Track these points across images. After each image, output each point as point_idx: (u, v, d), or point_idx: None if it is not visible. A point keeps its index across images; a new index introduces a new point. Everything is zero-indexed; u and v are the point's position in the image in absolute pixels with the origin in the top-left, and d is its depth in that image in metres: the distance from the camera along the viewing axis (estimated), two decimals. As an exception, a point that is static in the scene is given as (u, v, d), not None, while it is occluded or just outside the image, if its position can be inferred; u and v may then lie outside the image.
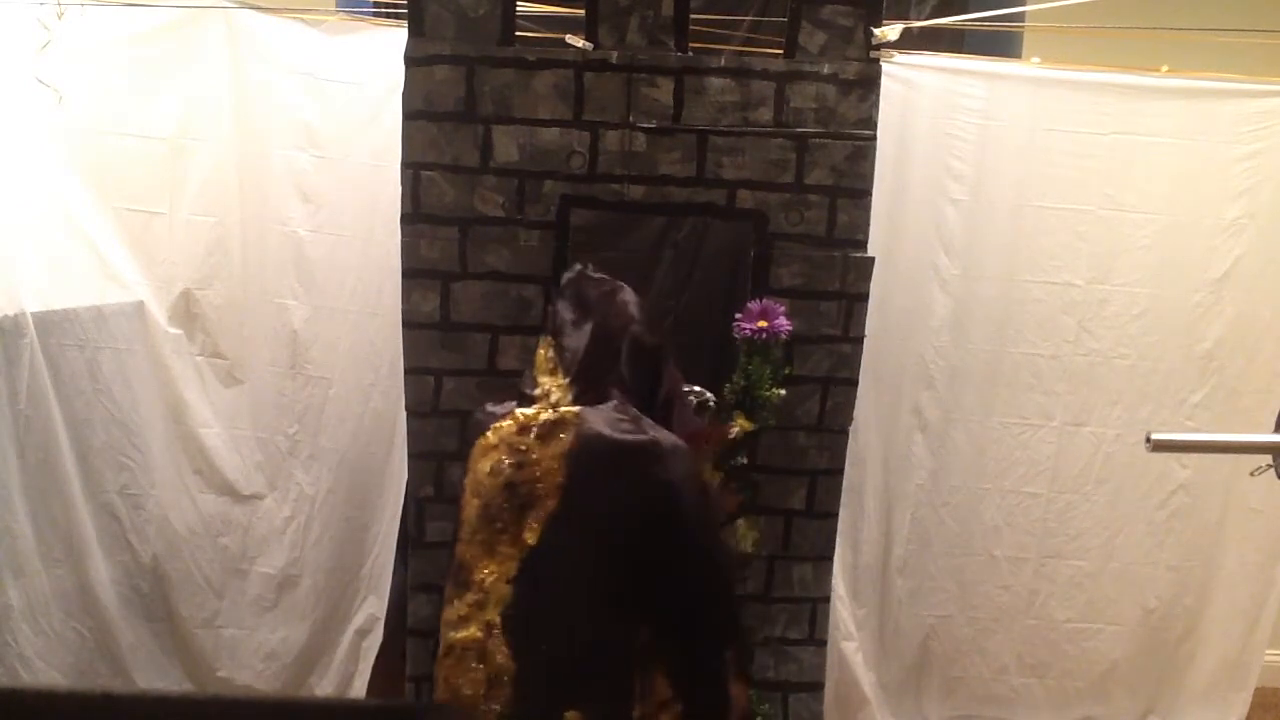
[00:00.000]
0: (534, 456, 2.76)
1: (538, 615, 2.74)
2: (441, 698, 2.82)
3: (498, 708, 2.73)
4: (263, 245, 4.09)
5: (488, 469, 2.79)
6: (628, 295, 2.98)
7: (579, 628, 2.73)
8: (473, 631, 2.78)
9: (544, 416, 2.79)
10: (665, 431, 2.80)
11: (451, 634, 2.80)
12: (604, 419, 2.78)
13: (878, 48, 3.45)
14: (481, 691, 2.75)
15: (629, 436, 2.75)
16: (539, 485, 2.75)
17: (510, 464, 2.77)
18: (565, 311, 2.99)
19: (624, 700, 2.72)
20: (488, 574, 2.77)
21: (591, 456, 2.74)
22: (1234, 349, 4.17)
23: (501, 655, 2.74)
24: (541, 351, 2.98)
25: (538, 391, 2.89)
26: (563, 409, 2.80)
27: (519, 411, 2.82)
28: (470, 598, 2.79)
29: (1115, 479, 4.25)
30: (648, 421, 2.80)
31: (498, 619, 2.75)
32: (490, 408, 2.90)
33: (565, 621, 2.74)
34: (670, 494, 2.75)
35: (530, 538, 2.74)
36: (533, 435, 2.78)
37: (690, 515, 2.81)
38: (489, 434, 2.82)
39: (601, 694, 2.73)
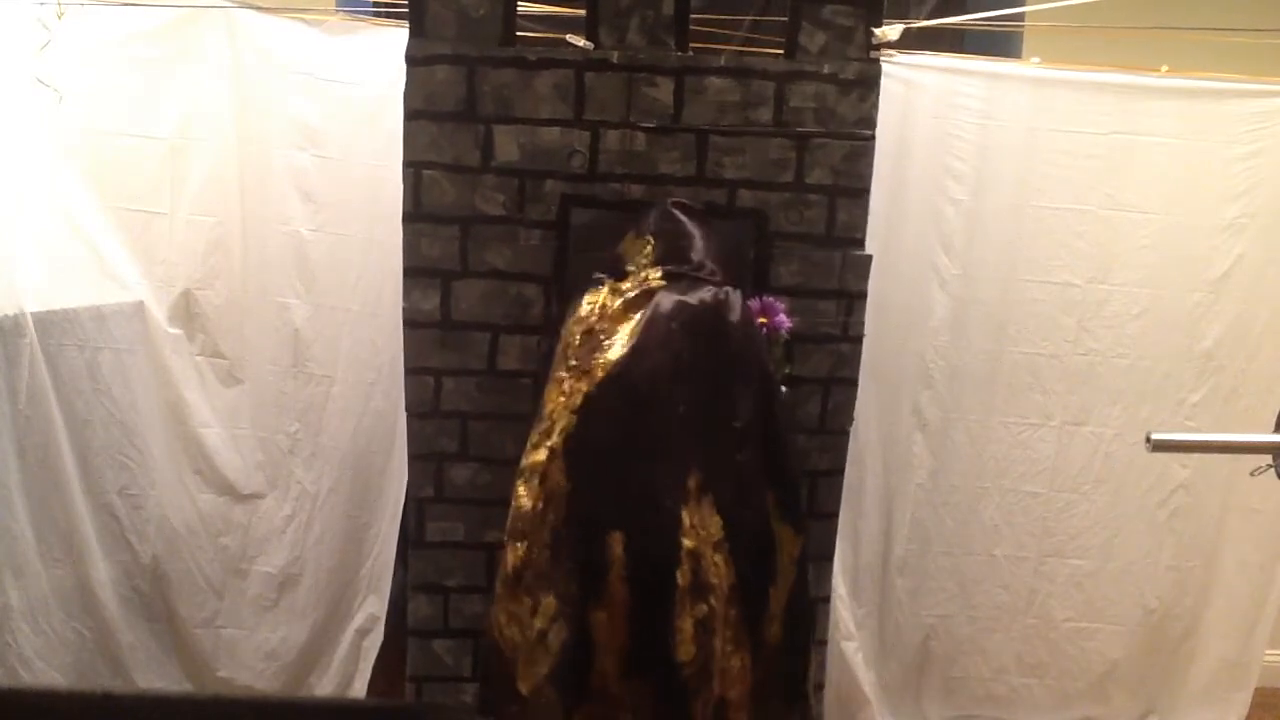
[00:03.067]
0: (614, 313, 3.10)
1: (594, 442, 2.97)
2: (512, 516, 3.00)
3: (552, 519, 2.93)
4: (263, 245, 4.09)
5: (576, 334, 3.12)
6: (704, 242, 3.22)
7: (633, 459, 2.92)
8: (539, 456, 3.01)
9: (635, 290, 3.13)
10: (731, 289, 3.14)
11: (524, 461, 3.05)
12: (681, 289, 3.11)
13: (878, 48, 3.46)
14: (540, 505, 2.95)
15: (699, 296, 3.09)
16: (615, 329, 3.07)
17: (595, 316, 3.11)
18: (661, 224, 3.26)
19: (670, 531, 2.87)
20: (555, 405, 3.04)
21: (665, 309, 3.06)
22: (1234, 349, 4.17)
23: (559, 475, 2.97)
24: (638, 244, 3.26)
25: (631, 268, 3.21)
26: (652, 283, 3.13)
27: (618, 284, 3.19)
28: (541, 427, 3.05)
29: (1115, 478, 4.25)
30: (720, 285, 3.15)
31: (560, 444, 2.98)
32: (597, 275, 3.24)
33: (621, 451, 2.94)
34: (730, 338, 3.08)
35: (600, 372, 3.00)
36: (619, 301, 3.11)
37: (748, 358, 3.10)
38: (583, 303, 3.16)
39: (647, 521, 2.89)
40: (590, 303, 3.15)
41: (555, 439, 3.00)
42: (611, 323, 3.09)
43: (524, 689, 2.93)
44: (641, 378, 3.00)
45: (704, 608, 2.86)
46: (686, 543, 2.88)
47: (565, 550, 2.92)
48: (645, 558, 2.87)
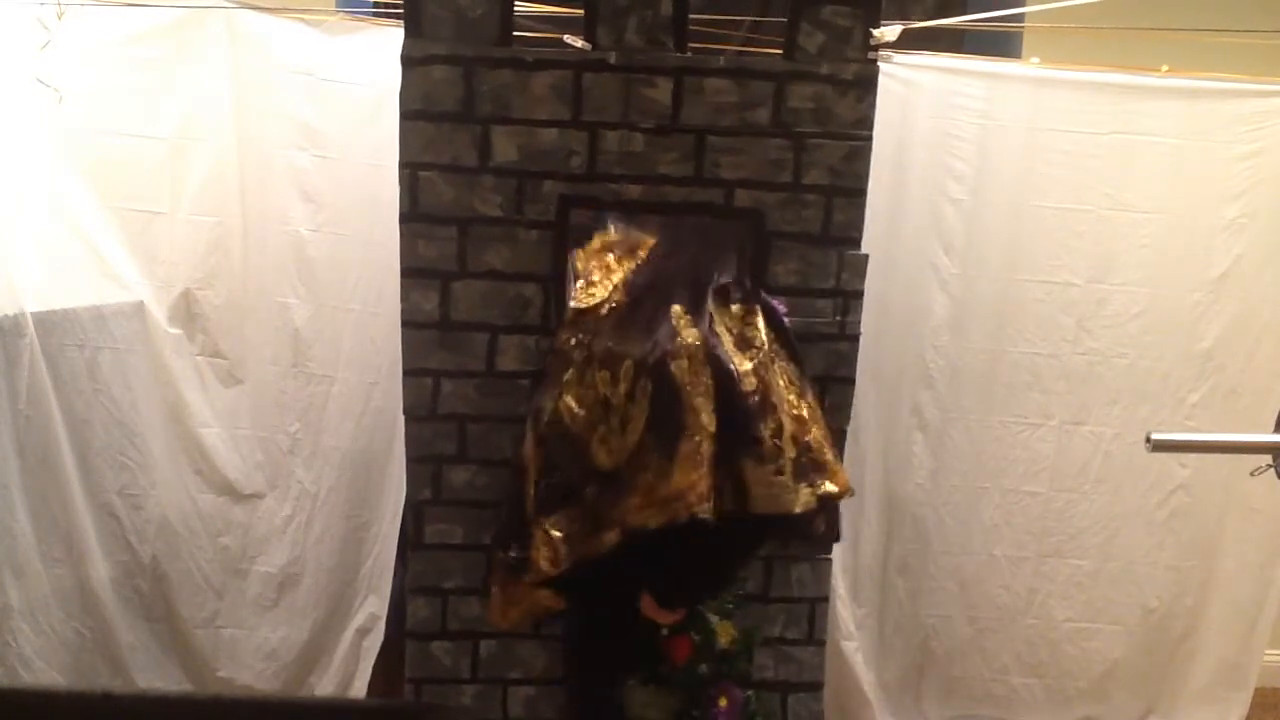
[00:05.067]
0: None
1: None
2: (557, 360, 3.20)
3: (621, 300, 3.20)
4: (263, 245, 4.09)
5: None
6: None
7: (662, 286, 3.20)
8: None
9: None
10: None
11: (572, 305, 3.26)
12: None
13: (876, 48, 3.46)
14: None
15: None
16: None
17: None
18: None
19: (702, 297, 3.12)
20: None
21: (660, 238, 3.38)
22: (1233, 348, 4.18)
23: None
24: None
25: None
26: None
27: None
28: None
29: (1114, 478, 4.26)
30: None
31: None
32: None
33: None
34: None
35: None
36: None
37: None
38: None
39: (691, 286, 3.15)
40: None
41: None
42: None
43: (607, 461, 3.00)
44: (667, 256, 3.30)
45: (754, 351, 3.05)
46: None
47: (634, 321, 3.08)
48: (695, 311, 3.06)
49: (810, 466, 3.06)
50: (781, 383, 3.11)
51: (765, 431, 2.99)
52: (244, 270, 4.10)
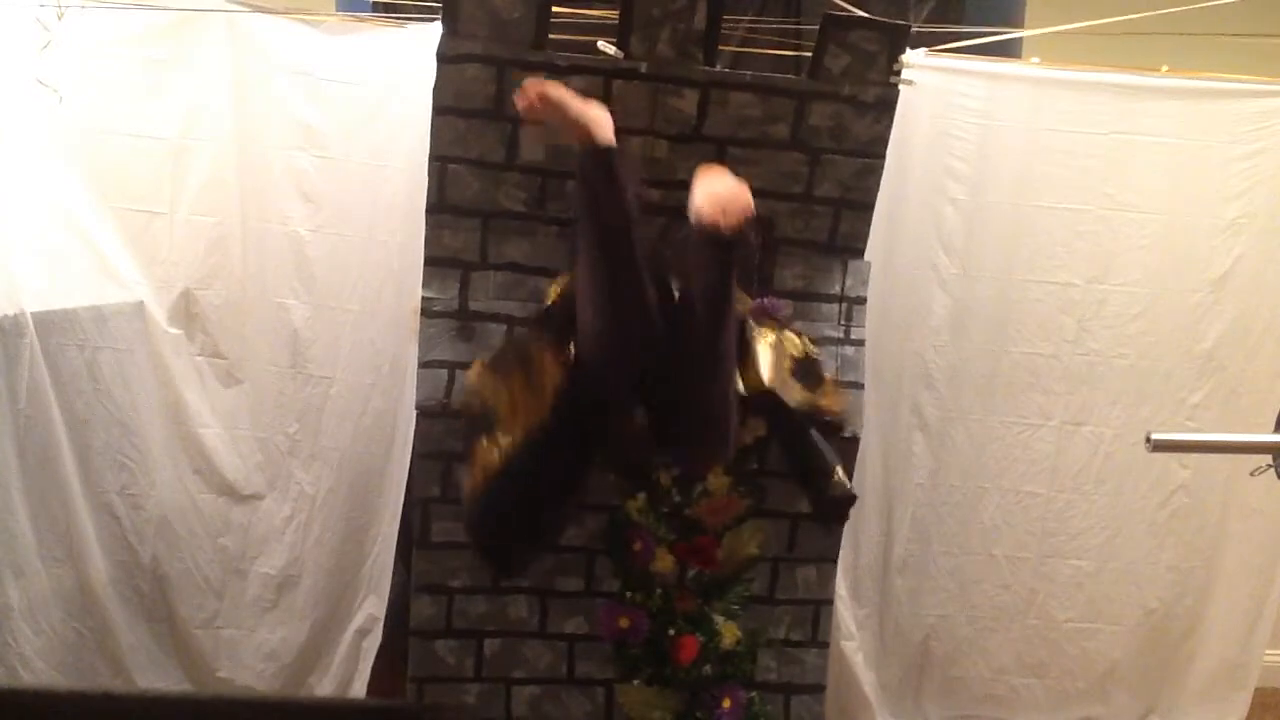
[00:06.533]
0: None
1: None
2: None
3: None
4: (263, 245, 4.07)
5: None
6: None
7: None
8: None
9: None
10: None
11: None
12: None
13: (898, 73, 3.48)
14: None
15: None
16: None
17: None
18: None
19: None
20: None
21: None
22: (1234, 349, 4.20)
23: None
24: None
25: None
26: None
27: None
28: None
29: (1115, 479, 4.27)
30: None
31: None
32: None
33: None
34: None
35: None
36: None
37: None
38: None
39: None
40: None
41: None
42: None
43: None
44: None
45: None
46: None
47: None
48: None
49: (811, 374, 3.34)
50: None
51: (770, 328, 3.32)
52: (243, 270, 4.08)
